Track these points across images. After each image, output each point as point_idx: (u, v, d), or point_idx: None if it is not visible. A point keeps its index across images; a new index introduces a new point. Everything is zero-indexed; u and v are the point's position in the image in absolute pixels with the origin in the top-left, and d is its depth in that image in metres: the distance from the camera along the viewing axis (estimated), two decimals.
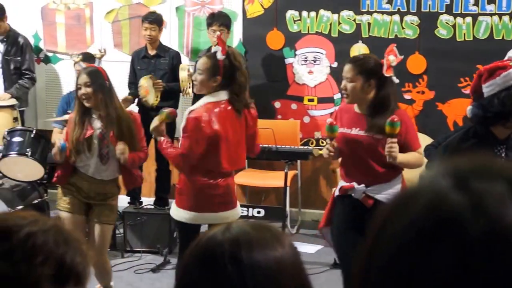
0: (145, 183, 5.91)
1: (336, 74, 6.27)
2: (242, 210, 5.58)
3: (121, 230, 5.67)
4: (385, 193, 3.83)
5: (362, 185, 3.85)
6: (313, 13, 6.26)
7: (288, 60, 6.36)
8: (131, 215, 5.63)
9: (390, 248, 0.79)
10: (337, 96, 6.30)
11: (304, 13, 6.27)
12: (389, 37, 6.10)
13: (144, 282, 5.14)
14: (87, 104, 4.25)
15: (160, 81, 6.06)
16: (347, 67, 3.85)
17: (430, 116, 6.13)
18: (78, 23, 6.83)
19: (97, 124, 4.30)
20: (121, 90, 6.22)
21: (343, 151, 3.91)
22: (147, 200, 6.33)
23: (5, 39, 6.48)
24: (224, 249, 1.20)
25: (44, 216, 1.31)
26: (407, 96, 6.17)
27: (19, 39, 6.50)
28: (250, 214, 5.59)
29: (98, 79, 4.27)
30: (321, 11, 6.23)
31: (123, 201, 6.36)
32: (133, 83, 6.30)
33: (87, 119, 4.29)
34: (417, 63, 6.09)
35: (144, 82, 5.89)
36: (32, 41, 6.78)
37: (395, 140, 3.70)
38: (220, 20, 6.01)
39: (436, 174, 0.80)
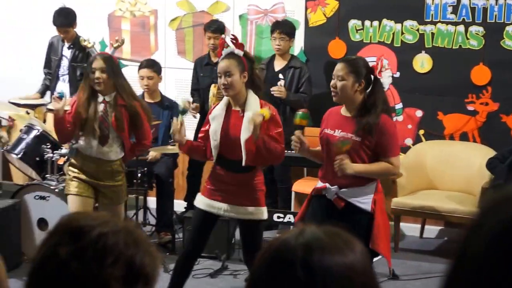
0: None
1: (398, 84, 6.22)
2: None
3: (180, 235, 5.72)
4: (356, 198, 3.91)
5: (335, 187, 3.91)
6: (375, 23, 6.22)
7: None
8: (190, 220, 5.65)
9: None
10: (399, 106, 6.24)
11: (367, 23, 6.24)
12: (453, 48, 6.02)
13: (201, 287, 5.17)
14: (97, 88, 4.44)
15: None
16: (340, 66, 3.94)
17: (493, 128, 6.01)
18: (142, 30, 6.94)
19: (100, 107, 4.48)
20: (184, 96, 6.31)
21: (323, 151, 4.02)
22: None
23: (72, 46, 6.60)
24: (296, 255, 1.20)
25: (115, 218, 1.33)
26: (470, 107, 6.07)
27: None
28: None
29: (113, 65, 4.48)
30: (384, 21, 6.19)
31: (180, 206, 6.43)
32: (196, 90, 6.37)
33: (93, 102, 4.47)
34: (481, 74, 5.99)
35: (213, 91, 5.90)
36: (98, 48, 6.91)
37: (343, 156, 3.81)
38: (281, 27, 6.04)
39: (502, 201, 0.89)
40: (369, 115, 3.86)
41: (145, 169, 5.76)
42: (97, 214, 1.33)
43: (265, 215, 4.29)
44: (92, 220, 1.30)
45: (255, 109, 4.08)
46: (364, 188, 3.90)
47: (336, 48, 6.33)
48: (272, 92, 5.93)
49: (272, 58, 6.24)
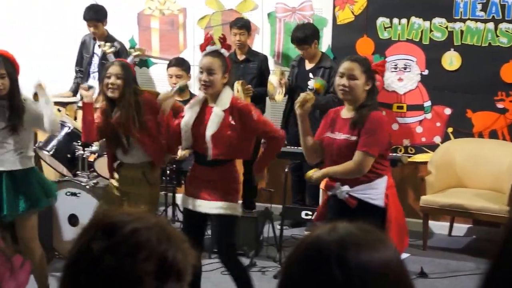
0: None
1: (427, 81, 6.18)
2: None
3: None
4: (368, 194, 3.88)
5: (346, 186, 3.89)
6: (404, 20, 6.18)
7: None
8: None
9: None
10: (427, 103, 6.20)
11: (395, 20, 6.21)
12: (482, 45, 5.97)
13: (230, 283, 5.16)
14: (110, 94, 4.32)
15: (250, 86, 6.11)
16: (351, 65, 3.89)
17: None
18: (171, 28, 6.98)
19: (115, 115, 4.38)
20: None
21: (328, 154, 4.00)
22: None
23: (104, 43, 6.66)
24: (331, 250, 1.20)
25: (148, 214, 1.34)
26: (499, 105, 6.01)
27: (116, 44, 6.66)
28: None
29: (129, 73, 4.36)
30: (413, 18, 6.15)
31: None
32: None
33: (111, 110, 4.39)
34: (511, 72, 5.93)
35: (237, 87, 5.92)
36: (127, 46, 6.96)
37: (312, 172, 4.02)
38: (295, 38, 6.03)
39: None
40: (360, 110, 3.87)
41: (174, 166, 5.79)
42: (130, 210, 1.35)
43: (236, 212, 4.21)
44: (125, 216, 1.32)
45: (223, 106, 4.08)
46: (373, 183, 3.88)
47: (364, 46, 6.31)
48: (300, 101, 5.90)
49: (301, 57, 6.22)
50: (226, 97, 4.12)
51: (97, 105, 4.55)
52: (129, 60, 5.07)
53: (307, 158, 4.16)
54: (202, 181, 4.18)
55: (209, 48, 4.16)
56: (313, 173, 4.03)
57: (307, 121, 4.05)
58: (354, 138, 3.86)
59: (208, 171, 4.15)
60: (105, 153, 4.83)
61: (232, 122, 4.08)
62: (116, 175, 4.54)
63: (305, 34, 6.02)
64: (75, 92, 6.88)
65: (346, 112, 3.98)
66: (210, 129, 4.08)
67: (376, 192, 3.90)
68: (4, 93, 4.21)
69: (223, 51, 4.16)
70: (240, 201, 4.28)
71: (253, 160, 4.53)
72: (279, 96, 6.03)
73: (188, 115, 4.18)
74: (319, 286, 1.21)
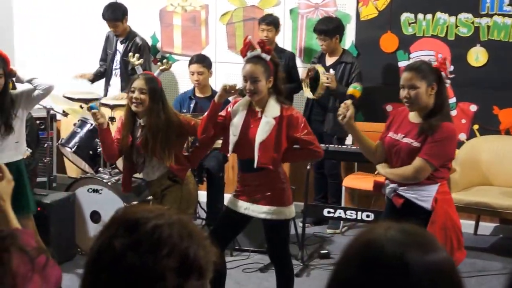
0: None
1: (452, 78, 6.12)
2: (351, 213, 5.56)
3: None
4: (416, 194, 3.81)
5: (395, 184, 3.87)
6: (429, 16, 6.13)
7: (401, 63, 6.25)
8: None
9: None
10: (452, 100, 6.15)
11: (420, 16, 6.16)
12: (510, 41, 5.90)
13: (251, 281, 5.19)
14: (134, 109, 4.28)
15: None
16: (409, 75, 3.79)
17: None
18: (193, 25, 6.99)
19: (137, 132, 4.35)
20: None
21: (388, 154, 3.94)
22: None
23: (124, 40, 6.69)
24: (388, 250, 1.19)
25: (170, 211, 1.34)
26: None
27: (137, 40, 6.68)
28: (358, 218, 5.52)
29: (154, 87, 4.29)
30: (438, 14, 6.10)
31: None
32: None
33: (133, 125, 4.36)
34: None
35: None
36: (150, 42, 6.98)
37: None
38: (318, 29, 6.03)
39: None
40: (433, 119, 3.77)
41: None
42: (152, 207, 1.35)
43: (288, 215, 4.21)
44: (147, 213, 1.32)
45: (274, 113, 4.06)
46: (424, 187, 3.82)
47: (388, 42, 6.27)
48: (322, 77, 5.88)
49: (323, 52, 6.20)
50: (275, 106, 4.09)
51: (121, 102, 4.57)
52: (156, 73, 5.03)
53: (369, 159, 4.09)
54: (250, 186, 4.18)
55: (249, 54, 4.12)
56: (380, 168, 3.96)
57: (355, 129, 3.96)
58: (417, 144, 3.78)
59: (255, 177, 4.15)
60: None
61: (280, 131, 4.06)
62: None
63: (328, 27, 6.02)
64: (97, 75, 6.87)
65: (414, 117, 3.88)
66: (260, 136, 4.06)
67: (425, 193, 3.81)
68: None
69: (264, 55, 4.10)
70: (292, 203, 4.24)
71: None
72: (307, 89, 6.02)
73: (236, 119, 4.16)
74: (376, 285, 1.20)
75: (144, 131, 4.31)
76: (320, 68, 5.93)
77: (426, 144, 3.75)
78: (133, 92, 4.27)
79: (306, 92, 6.01)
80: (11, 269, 1.50)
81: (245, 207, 4.20)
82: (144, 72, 4.90)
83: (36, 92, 4.54)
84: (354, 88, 4.11)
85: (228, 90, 4.18)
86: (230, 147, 4.17)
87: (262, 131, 4.06)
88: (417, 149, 3.77)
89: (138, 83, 4.28)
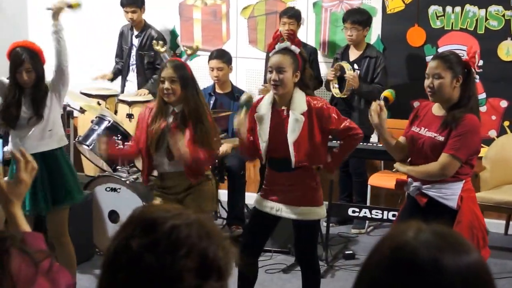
0: None
1: (481, 73, 6.08)
2: (376, 213, 5.54)
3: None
4: (441, 192, 3.79)
5: (418, 182, 3.84)
6: (458, 9, 6.09)
7: (429, 58, 6.21)
8: None
9: None
10: (482, 96, 6.10)
11: (448, 9, 6.12)
12: None
13: (274, 282, 5.19)
14: (166, 99, 4.20)
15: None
16: (435, 63, 3.79)
17: None
18: (214, 19, 7.00)
19: (169, 119, 4.26)
20: (256, 87, 6.33)
21: (411, 150, 3.92)
22: None
23: (139, 34, 6.72)
24: (422, 254, 1.18)
25: (188, 210, 1.35)
26: None
27: (152, 33, 6.70)
28: (384, 217, 5.50)
29: (184, 74, 4.19)
30: (467, 6, 6.05)
31: (252, 198, 6.45)
32: None
33: (164, 114, 4.26)
34: None
35: None
36: (169, 36, 7.00)
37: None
38: (352, 17, 5.99)
39: None
40: (456, 110, 3.76)
41: (216, 161, 5.81)
42: (169, 207, 1.35)
43: (321, 214, 4.22)
44: (165, 212, 1.33)
45: (301, 109, 4.01)
46: (448, 184, 3.80)
47: (415, 36, 6.23)
48: (345, 77, 5.88)
49: (347, 47, 6.18)
50: (300, 99, 4.03)
51: (139, 99, 4.56)
52: (183, 59, 5.00)
53: (393, 156, 4.07)
54: (281, 186, 4.15)
55: (278, 46, 4.07)
56: (399, 166, 3.95)
57: (384, 128, 3.92)
58: (441, 138, 3.76)
59: (288, 176, 4.11)
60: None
61: (311, 125, 4.02)
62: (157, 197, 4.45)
63: (362, 17, 6.01)
64: (115, 74, 6.92)
65: (438, 109, 3.87)
66: (292, 135, 4.02)
67: (450, 192, 3.79)
68: (30, 86, 4.38)
69: (293, 48, 4.05)
70: (323, 203, 4.23)
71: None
72: (335, 89, 6.01)
73: (263, 125, 4.10)
74: None
75: (179, 116, 4.21)
76: (345, 64, 5.91)
77: (450, 139, 3.73)
78: (163, 82, 4.18)
79: (335, 92, 6.00)
80: (10, 271, 1.51)
81: (277, 208, 4.17)
82: (171, 58, 4.84)
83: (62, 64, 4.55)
84: (390, 92, 4.08)
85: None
86: (263, 155, 4.12)
87: (293, 130, 4.01)
88: (440, 143, 3.76)
89: (167, 72, 4.18)
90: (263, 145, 4.10)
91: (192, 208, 3.95)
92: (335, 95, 6.02)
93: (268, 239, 4.45)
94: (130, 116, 6.41)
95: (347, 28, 6.01)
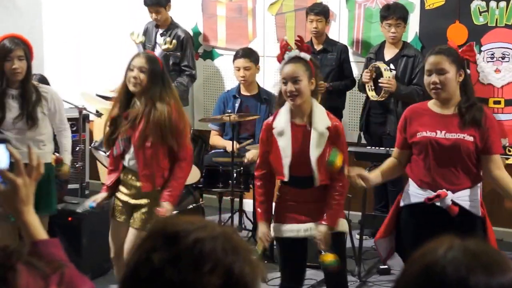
0: None
1: None
2: None
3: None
4: (468, 202, 3.81)
5: (450, 193, 3.81)
6: (502, 3, 6.06)
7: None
8: None
9: None
10: None
11: (492, 4, 6.09)
12: None
13: None
14: (131, 88, 4.33)
15: (322, 82, 6.08)
16: (437, 58, 3.81)
17: None
18: (239, 15, 7.01)
19: (131, 114, 4.36)
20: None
21: (426, 157, 3.87)
22: None
23: (165, 32, 6.74)
24: (451, 274, 1.19)
25: (213, 222, 1.36)
26: None
27: (179, 33, 6.72)
28: None
29: (155, 68, 4.33)
30: None
31: None
32: None
33: (122, 103, 4.40)
34: None
35: None
36: (191, 34, 7.02)
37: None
38: (398, 13, 5.96)
39: None
40: (473, 109, 3.81)
41: (241, 168, 5.83)
42: (194, 219, 1.37)
43: (345, 227, 4.26)
44: (188, 225, 1.34)
45: (325, 123, 4.02)
46: (473, 189, 3.83)
47: (456, 33, 6.21)
48: (380, 85, 5.87)
49: (382, 46, 6.17)
50: (321, 113, 4.07)
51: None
52: (157, 53, 5.10)
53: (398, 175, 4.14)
54: (305, 204, 4.13)
55: (287, 55, 4.10)
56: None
57: (378, 181, 4.04)
58: (470, 138, 3.79)
59: (311, 193, 4.11)
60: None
61: (331, 142, 4.03)
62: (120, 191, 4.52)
63: (404, 13, 6.02)
64: None
65: (440, 108, 3.90)
66: (316, 151, 4.02)
67: (474, 198, 3.84)
68: (21, 77, 4.52)
69: (303, 55, 4.09)
70: (345, 215, 4.30)
71: None
72: (371, 91, 6.00)
73: (284, 140, 4.09)
74: None
75: (144, 115, 4.31)
76: (381, 65, 5.90)
77: (487, 140, 3.77)
78: (132, 70, 4.33)
79: (371, 95, 5.98)
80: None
81: (305, 228, 4.15)
82: (145, 51, 5.00)
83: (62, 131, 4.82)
84: (336, 157, 3.95)
85: None
86: (286, 171, 4.08)
87: (317, 145, 4.01)
88: (471, 144, 3.78)
89: (138, 61, 4.34)
90: (286, 160, 4.07)
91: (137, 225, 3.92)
92: (371, 98, 6.00)
93: (306, 260, 4.40)
94: None
95: (391, 25, 5.98)
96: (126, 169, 4.45)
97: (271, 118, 4.23)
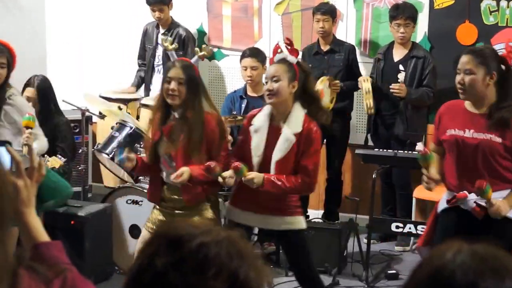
0: (313, 194, 5.96)
1: None
2: (422, 228, 5.49)
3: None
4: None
5: (473, 194, 3.80)
6: None
7: None
8: None
9: None
10: None
11: (503, 3, 6.08)
12: None
13: None
14: (169, 101, 4.21)
15: (337, 81, 6.09)
16: (466, 58, 3.83)
17: None
18: (245, 15, 7.02)
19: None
20: None
21: (453, 156, 3.89)
22: (315, 213, 6.38)
23: (166, 32, 6.75)
24: (460, 279, 1.19)
25: (218, 227, 1.36)
26: None
27: (180, 31, 6.73)
28: None
29: (192, 76, 4.23)
30: None
31: None
32: None
33: (161, 118, 4.30)
34: None
35: (320, 85, 5.86)
36: (195, 35, 7.02)
37: (495, 201, 3.71)
38: (407, 12, 5.95)
39: None
40: (503, 110, 3.80)
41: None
42: (198, 223, 1.37)
43: (302, 225, 4.28)
44: (192, 229, 1.34)
45: (295, 128, 4.05)
46: (503, 192, 3.81)
47: (466, 33, 6.20)
48: (391, 91, 5.87)
49: (390, 46, 6.17)
50: (298, 118, 4.10)
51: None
52: (193, 60, 5.03)
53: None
54: (261, 198, 4.17)
55: (276, 57, 4.22)
56: (498, 208, 3.79)
57: (440, 174, 4.01)
58: (498, 139, 3.79)
59: (267, 192, 4.13)
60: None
61: (299, 147, 4.08)
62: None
63: (415, 13, 6.02)
64: (138, 86, 7.00)
65: (473, 107, 3.90)
66: (277, 154, 4.09)
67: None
68: None
69: (290, 58, 4.17)
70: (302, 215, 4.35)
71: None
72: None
73: (257, 139, 4.16)
74: None
75: (176, 123, 4.24)
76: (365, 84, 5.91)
77: None
78: (169, 82, 4.20)
79: (368, 107, 5.96)
80: None
81: (260, 219, 4.29)
82: (179, 59, 4.88)
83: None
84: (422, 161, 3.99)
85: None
86: (255, 169, 4.14)
87: (281, 148, 4.08)
88: (499, 145, 3.78)
89: (175, 72, 4.21)
90: (255, 159, 4.14)
91: None
92: (366, 110, 5.99)
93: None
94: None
95: (400, 25, 5.97)
96: (168, 185, 4.37)
97: (256, 110, 4.32)
